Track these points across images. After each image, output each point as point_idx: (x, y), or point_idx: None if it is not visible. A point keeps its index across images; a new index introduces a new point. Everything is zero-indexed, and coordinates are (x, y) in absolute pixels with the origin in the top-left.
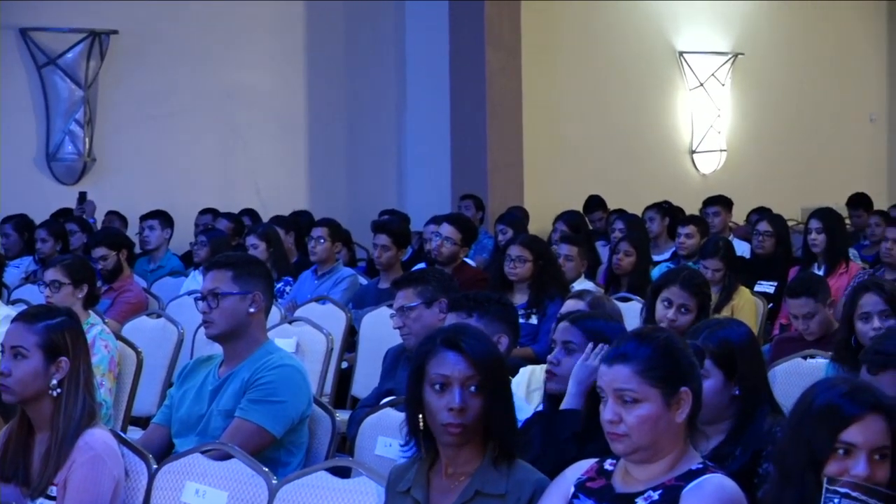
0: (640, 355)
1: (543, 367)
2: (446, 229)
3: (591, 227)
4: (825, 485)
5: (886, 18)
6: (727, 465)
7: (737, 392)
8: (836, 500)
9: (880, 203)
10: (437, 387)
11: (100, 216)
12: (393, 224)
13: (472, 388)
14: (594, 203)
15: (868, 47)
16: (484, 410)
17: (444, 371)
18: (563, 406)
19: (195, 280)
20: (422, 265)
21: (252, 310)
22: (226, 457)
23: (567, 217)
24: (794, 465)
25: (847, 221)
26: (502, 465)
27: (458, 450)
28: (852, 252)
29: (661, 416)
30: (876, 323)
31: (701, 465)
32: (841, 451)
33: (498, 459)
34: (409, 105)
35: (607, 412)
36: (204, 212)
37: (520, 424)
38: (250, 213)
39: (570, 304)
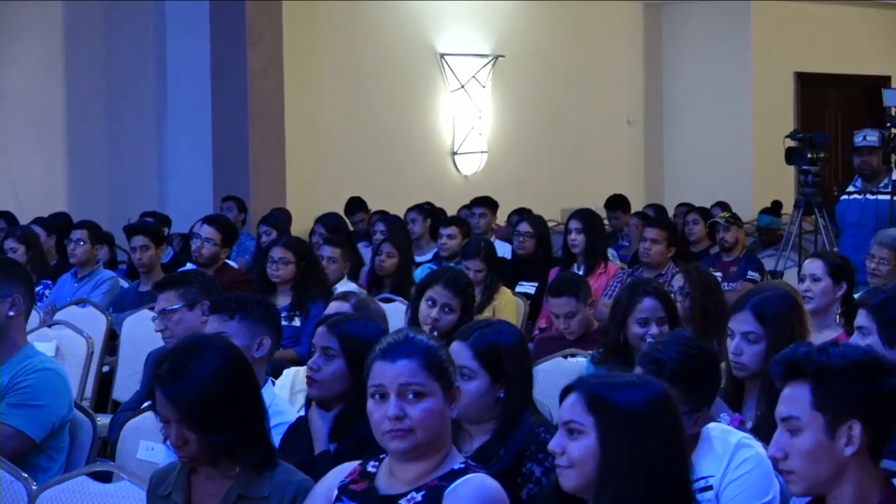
0: (421, 350)
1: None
2: (206, 230)
3: (352, 229)
4: None
5: (643, 22)
6: (491, 466)
7: (502, 394)
8: None
9: (637, 204)
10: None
11: None
12: (146, 224)
13: (185, 427)
14: (355, 205)
15: (625, 50)
16: (204, 441)
17: (161, 410)
18: None
19: None
20: (183, 268)
21: (11, 313)
22: None
23: (327, 219)
24: None
25: (606, 222)
26: (265, 468)
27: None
28: (611, 252)
29: (443, 410)
30: (654, 329)
31: (463, 465)
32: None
33: (259, 464)
34: (170, 106)
35: (392, 408)
36: None
37: (284, 426)
38: (7, 215)
39: (334, 306)
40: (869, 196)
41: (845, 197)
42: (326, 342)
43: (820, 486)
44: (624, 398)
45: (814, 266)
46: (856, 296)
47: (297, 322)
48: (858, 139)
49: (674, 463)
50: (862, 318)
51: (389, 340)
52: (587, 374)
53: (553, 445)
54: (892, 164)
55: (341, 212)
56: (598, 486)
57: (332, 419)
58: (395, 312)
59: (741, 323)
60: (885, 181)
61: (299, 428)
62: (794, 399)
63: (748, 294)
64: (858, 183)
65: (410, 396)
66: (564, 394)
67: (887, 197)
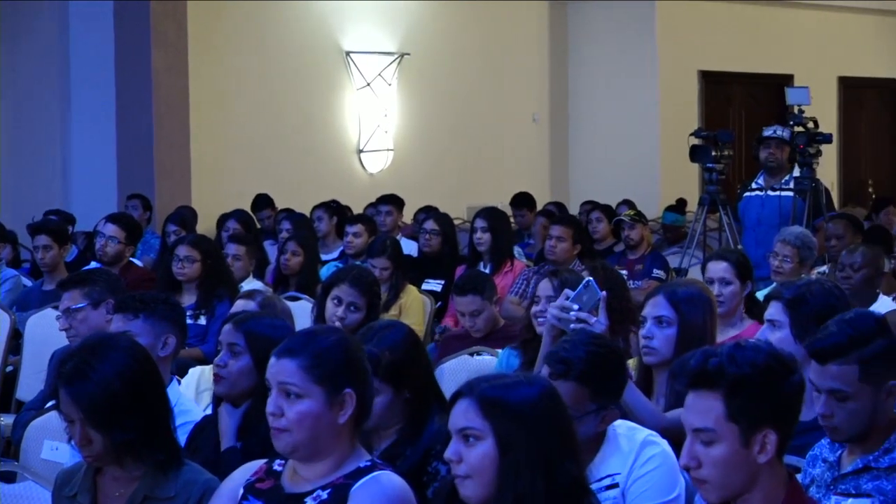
0: (308, 352)
1: (212, 367)
2: (110, 228)
3: (259, 226)
4: None
5: (548, 20)
6: (398, 465)
7: (406, 395)
8: None
9: (543, 202)
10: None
11: None
12: (50, 223)
13: (89, 426)
14: (261, 202)
15: (531, 48)
16: (108, 441)
17: (65, 409)
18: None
19: None
20: (88, 267)
21: None
22: None
23: (233, 216)
24: None
25: (511, 220)
26: (170, 468)
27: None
28: (517, 250)
29: (322, 414)
30: (541, 306)
31: (369, 463)
32: None
33: (165, 463)
34: (74, 105)
35: (270, 404)
36: None
37: (189, 425)
38: None
39: (240, 304)
40: (770, 192)
41: (748, 193)
42: (233, 338)
43: (733, 493)
44: (516, 397)
45: (721, 269)
46: (759, 294)
47: (202, 321)
48: (768, 132)
49: (569, 456)
50: (775, 312)
51: (289, 337)
52: (473, 379)
53: (450, 454)
54: (796, 162)
55: (247, 209)
56: (499, 489)
57: (240, 416)
58: (301, 311)
59: (653, 307)
60: (787, 177)
61: (205, 427)
62: (706, 410)
63: (662, 285)
64: (761, 179)
65: (290, 395)
66: (453, 400)
67: (790, 193)
